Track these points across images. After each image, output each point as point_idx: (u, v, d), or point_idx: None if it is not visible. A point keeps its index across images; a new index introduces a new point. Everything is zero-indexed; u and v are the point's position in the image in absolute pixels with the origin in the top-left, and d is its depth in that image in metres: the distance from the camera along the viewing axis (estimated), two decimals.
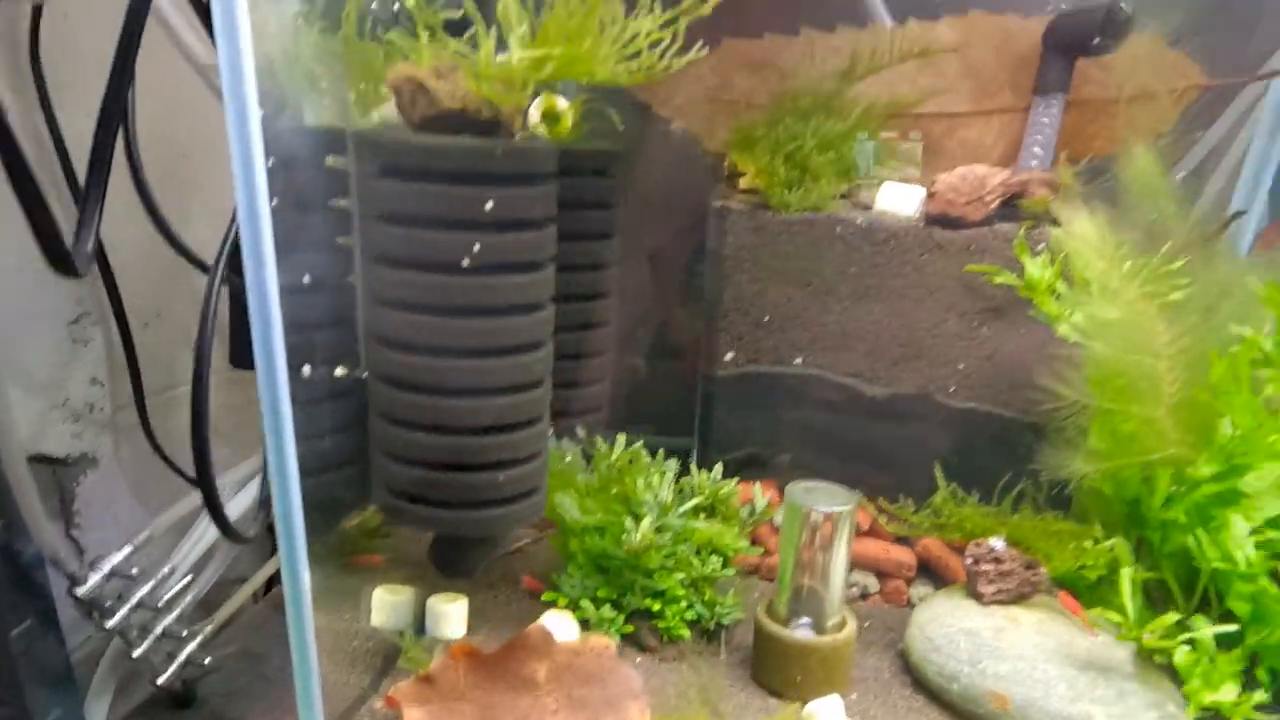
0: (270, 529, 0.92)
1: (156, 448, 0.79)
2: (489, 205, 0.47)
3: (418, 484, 0.50)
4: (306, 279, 0.49)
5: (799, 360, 0.74)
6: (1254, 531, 0.53)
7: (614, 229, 0.70)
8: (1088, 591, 0.63)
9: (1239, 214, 0.68)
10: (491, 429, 0.50)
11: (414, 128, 0.50)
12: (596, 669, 0.49)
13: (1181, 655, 0.53)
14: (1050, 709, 0.55)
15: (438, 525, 0.52)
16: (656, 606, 0.63)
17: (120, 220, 0.69)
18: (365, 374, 0.52)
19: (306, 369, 0.47)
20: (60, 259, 0.46)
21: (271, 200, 0.39)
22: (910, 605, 0.73)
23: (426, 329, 0.48)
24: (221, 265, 0.49)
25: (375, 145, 0.48)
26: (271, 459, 0.43)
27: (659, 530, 0.62)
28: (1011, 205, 0.67)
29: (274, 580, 0.88)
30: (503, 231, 0.48)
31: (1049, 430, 0.64)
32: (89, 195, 0.49)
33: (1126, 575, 0.57)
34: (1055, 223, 0.64)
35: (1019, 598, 0.61)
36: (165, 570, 0.64)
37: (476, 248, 0.47)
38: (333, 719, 0.54)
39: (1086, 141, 0.73)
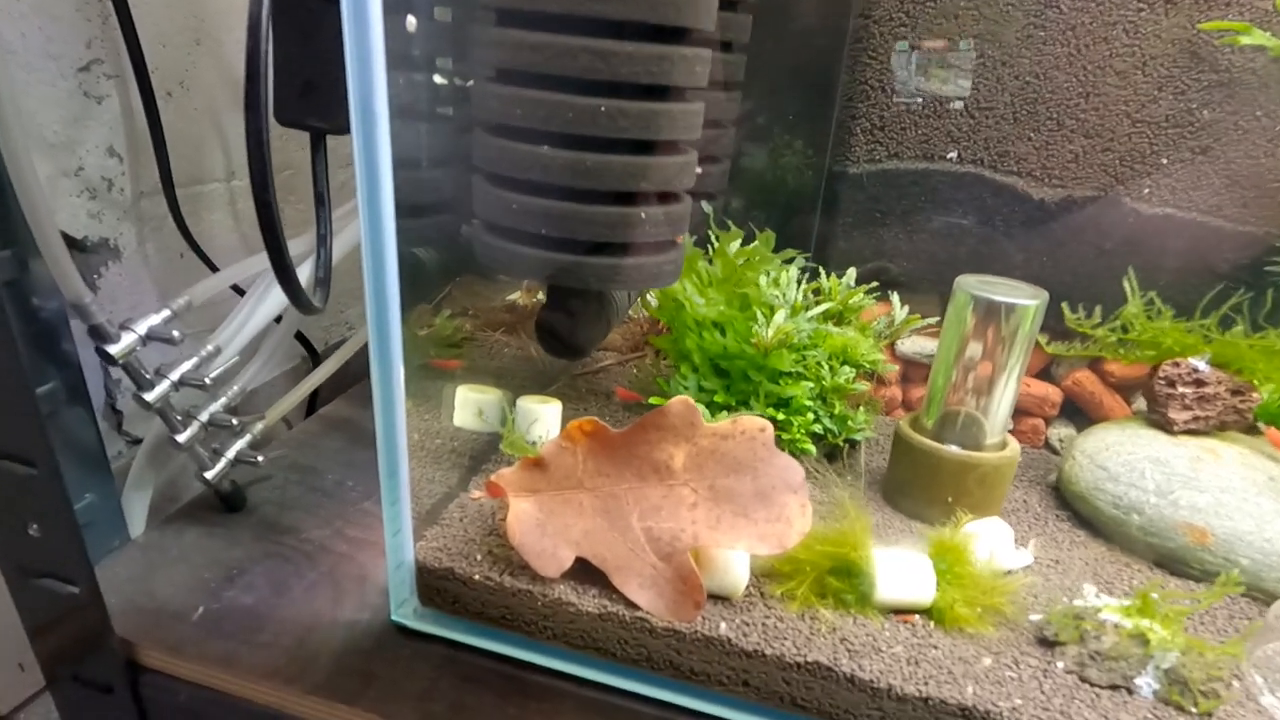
0: (304, 343, 0.83)
1: (187, 236, 0.69)
2: None
3: (536, 218, 0.38)
4: None
5: (952, 155, 0.62)
6: None
7: None
8: None
9: None
10: (637, 144, 0.37)
11: None
12: (748, 455, 0.40)
13: None
14: (1264, 546, 0.46)
15: (557, 273, 0.41)
16: (781, 416, 0.54)
17: None
18: (470, 83, 0.39)
19: (411, 20, 0.34)
20: None
21: None
22: (1048, 446, 0.65)
23: None
24: None
25: None
26: (360, 168, 0.32)
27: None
28: None
29: (312, 405, 0.80)
30: None
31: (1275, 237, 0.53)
32: None
33: None
34: None
35: (1220, 426, 0.52)
36: (210, 348, 0.55)
37: None
38: (419, 516, 0.46)
39: None
